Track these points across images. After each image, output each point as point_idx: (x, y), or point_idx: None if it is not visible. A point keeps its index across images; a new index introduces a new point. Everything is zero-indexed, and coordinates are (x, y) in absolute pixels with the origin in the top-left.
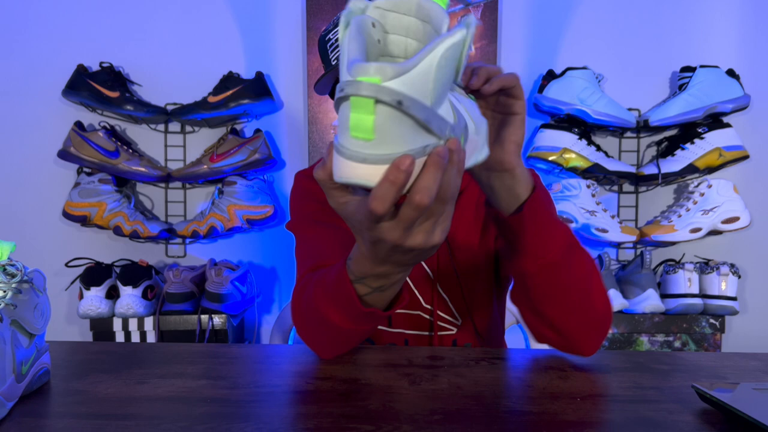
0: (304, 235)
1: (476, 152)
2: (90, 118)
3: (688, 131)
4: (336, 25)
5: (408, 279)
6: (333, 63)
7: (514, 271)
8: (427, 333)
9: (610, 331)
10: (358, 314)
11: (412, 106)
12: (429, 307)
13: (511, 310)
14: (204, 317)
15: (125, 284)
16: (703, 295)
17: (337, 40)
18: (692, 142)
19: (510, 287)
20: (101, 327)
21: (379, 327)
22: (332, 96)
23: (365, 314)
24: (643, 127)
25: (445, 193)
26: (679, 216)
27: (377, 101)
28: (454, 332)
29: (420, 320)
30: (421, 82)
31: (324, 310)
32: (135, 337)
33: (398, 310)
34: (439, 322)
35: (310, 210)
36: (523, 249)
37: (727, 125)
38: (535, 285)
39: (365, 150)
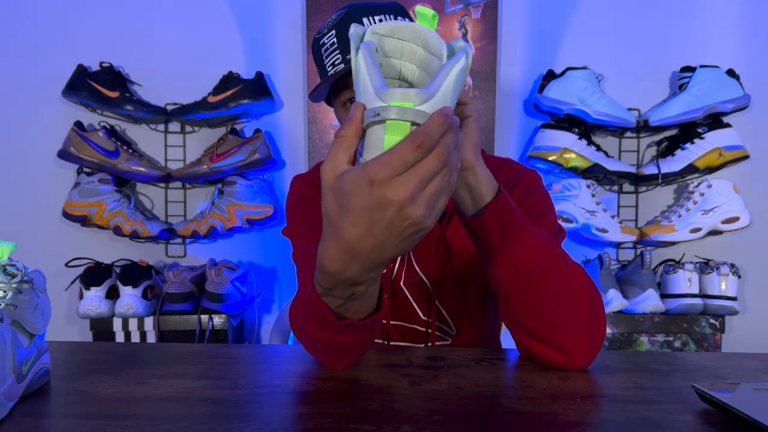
0: (301, 241)
1: None
2: (90, 118)
3: (688, 131)
4: (330, 29)
5: (407, 293)
6: (328, 68)
7: (489, 280)
8: (422, 345)
9: (611, 331)
10: (337, 328)
11: None
12: (426, 319)
13: None
14: (204, 317)
15: (125, 284)
16: (703, 295)
17: (332, 44)
18: (692, 142)
19: None
20: (101, 327)
21: (376, 340)
22: (328, 102)
23: (343, 327)
24: (643, 127)
25: (453, 161)
26: (679, 216)
27: (413, 124)
28: (449, 342)
29: (416, 333)
30: (441, 104)
31: (309, 329)
32: (135, 337)
33: (394, 322)
34: (436, 333)
35: (307, 215)
36: (491, 255)
37: (727, 125)
38: (509, 293)
39: None
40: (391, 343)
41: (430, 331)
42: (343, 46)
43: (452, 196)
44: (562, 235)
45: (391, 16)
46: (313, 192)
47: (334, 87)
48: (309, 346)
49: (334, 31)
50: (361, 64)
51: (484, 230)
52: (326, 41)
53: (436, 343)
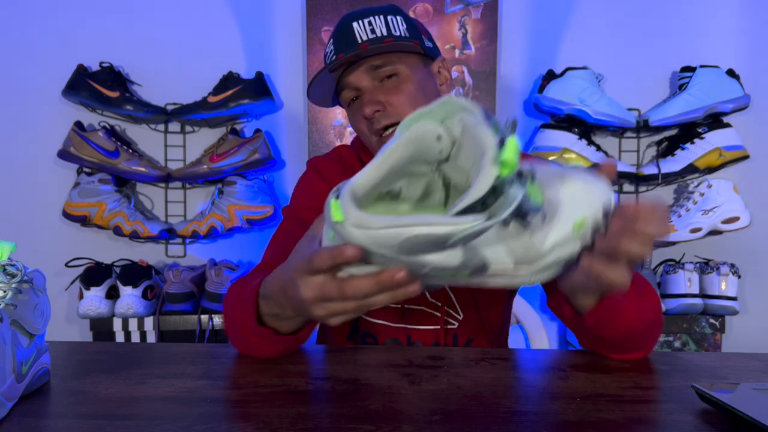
0: (284, 226)
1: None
2: (90, 118)
3: (688, 131)
4: (329, 39)
5: None
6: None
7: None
8: (431, 327)
9: None
10: (251, 329)
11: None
12: (434, 302)
13: (515, 313)
14: (204, 317)
15: (125, 284)
16: (703, 295)
17: (330, 51)
18: (692, 142)
19: (543, 296)
20: (101, 327)
21: (385, 323)
22: (339, 101)
23: (255, 330)
24: (643, 127)
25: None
26: (679, 216)
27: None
28: (455, 327)
29: (424, 315)
30: (384, 243)
31: (234, 311)
32: (135, 337)
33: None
34: (445, 318)
35: (303, 205)
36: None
37: (727, 125)
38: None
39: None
40: (401, 325)
41: (439, 314)
42: (338, 48)
43: (566, 291)
44: None
45: (381, 17)
46: (320, 182)
47: (337, 88)
48: (229, 325)
49: (332, 40)
50: (394, 143)
51: (595, 319)
52: (327, 50)
53: (445, 328)
